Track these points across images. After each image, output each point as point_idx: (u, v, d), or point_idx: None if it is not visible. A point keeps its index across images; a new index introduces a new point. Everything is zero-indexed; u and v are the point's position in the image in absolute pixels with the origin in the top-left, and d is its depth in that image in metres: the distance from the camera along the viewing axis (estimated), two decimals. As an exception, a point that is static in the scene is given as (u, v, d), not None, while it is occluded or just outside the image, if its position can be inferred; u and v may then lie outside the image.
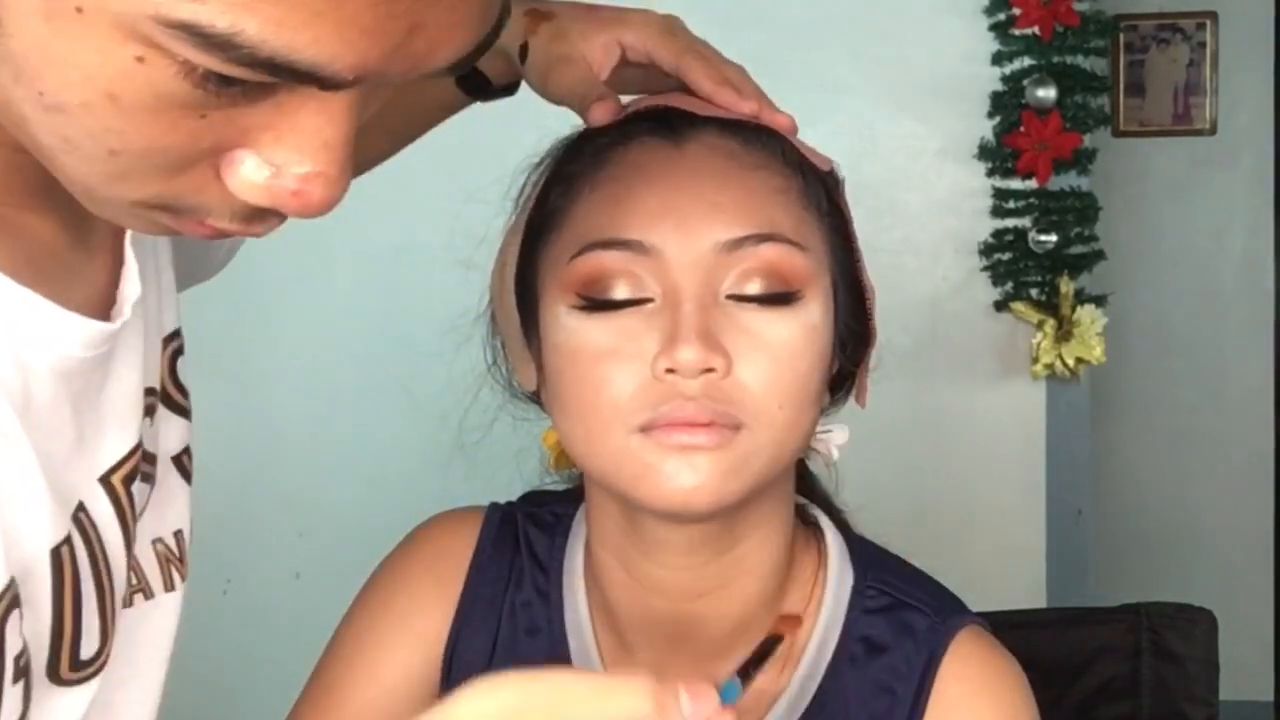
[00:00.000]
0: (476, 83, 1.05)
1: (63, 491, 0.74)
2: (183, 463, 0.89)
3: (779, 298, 0.93)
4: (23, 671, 0.72)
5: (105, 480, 0.79)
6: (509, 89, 1.06)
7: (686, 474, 0.90)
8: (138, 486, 0.81)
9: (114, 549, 0.79)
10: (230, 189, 0.63)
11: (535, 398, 1.03)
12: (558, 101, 1.00)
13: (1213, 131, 3.83)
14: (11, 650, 0.70)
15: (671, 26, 1.00)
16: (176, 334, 0.88)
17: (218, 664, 2.42)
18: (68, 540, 0.75)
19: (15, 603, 0.70)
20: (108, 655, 0.79)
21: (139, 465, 0.81)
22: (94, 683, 0.79)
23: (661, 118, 0.97)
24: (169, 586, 0.86)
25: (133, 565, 0.82)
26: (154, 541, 0.85)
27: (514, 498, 1.12)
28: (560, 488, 1.12)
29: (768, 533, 0.99)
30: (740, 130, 0.96)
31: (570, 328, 0.93)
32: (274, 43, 0.54)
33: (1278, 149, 3.87)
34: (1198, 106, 3.82)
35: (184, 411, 0.89)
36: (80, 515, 0.77)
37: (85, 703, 0.78)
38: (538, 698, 0.64)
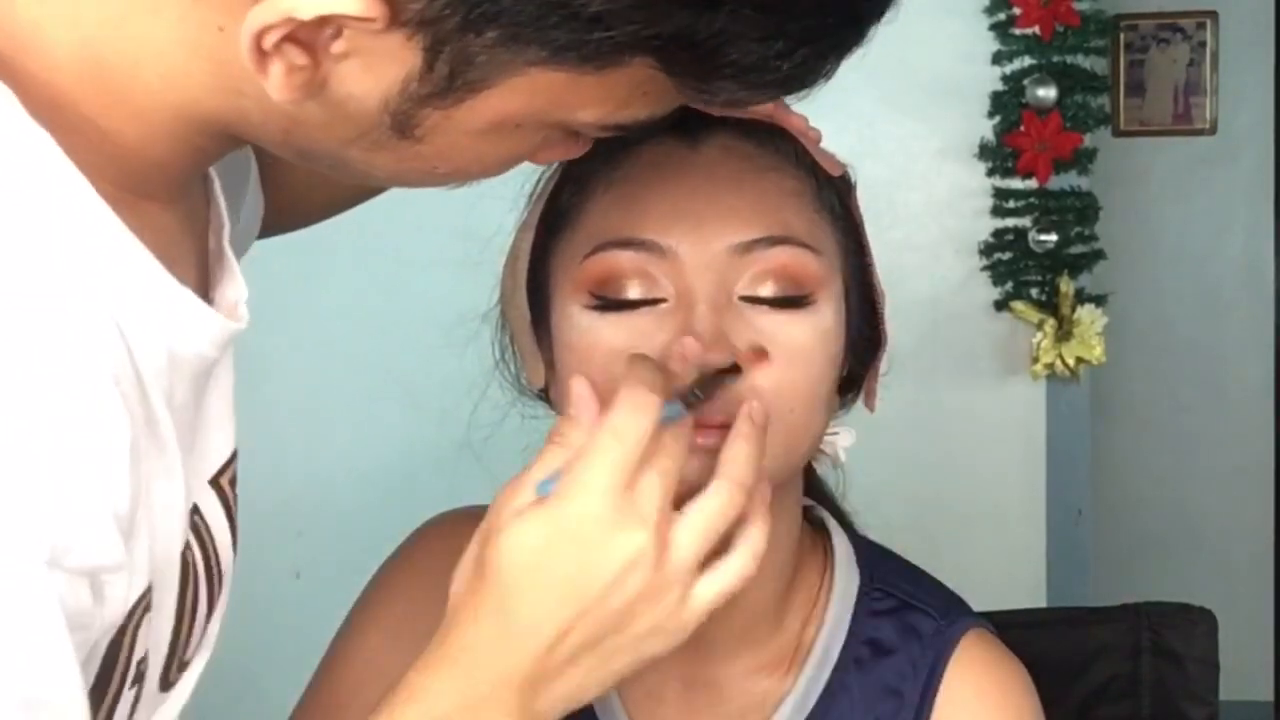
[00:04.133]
0: None
1: (188, 495, 0.76)
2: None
3: (792, 300, 0.93)
4: (139, 677, 0.73)
5: (215, 482, 0.80)
6: None
7: (697, 474, 0.90)
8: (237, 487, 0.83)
9: (224, 552, 0.81)
10: (536, 162, 0.79)
11: (544, 395, 1.03)
12: None
13: (1213, 131, 3.83)
14: (137, 654, 0.72)
15: None
16: None
17: (218, 664, 2.42)
18: (188, 545, 0.76)
19: (148, 608, 0.71)
20: (192, 656, 0.81)
21: (237, 469, 0.82)
22: (183, 683, 0.80)
23: (676, 118, 0.97)
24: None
25: None
26: None
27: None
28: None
29: (775, 535, 0.99)
30: (754, 132, 0.96)
31: (583, 327, 0.93)
32: (656, 116, 0.74)
33: (1278, 149, 3.87)
34: (1198, 106, 3.82)
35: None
36: (195, 518, 0.78)
37: (182, 700, 0.79)
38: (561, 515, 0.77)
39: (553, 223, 0.98)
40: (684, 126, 0.96)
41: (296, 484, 2.69)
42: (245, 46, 0.64)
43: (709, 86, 0.70)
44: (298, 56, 0.65)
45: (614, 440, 0.78)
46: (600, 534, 0.77)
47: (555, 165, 1.01)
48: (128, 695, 0.72)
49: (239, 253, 1.04)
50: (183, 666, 0.79)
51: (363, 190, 1.14)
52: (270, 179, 1.05)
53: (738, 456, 0.83)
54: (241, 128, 0.72)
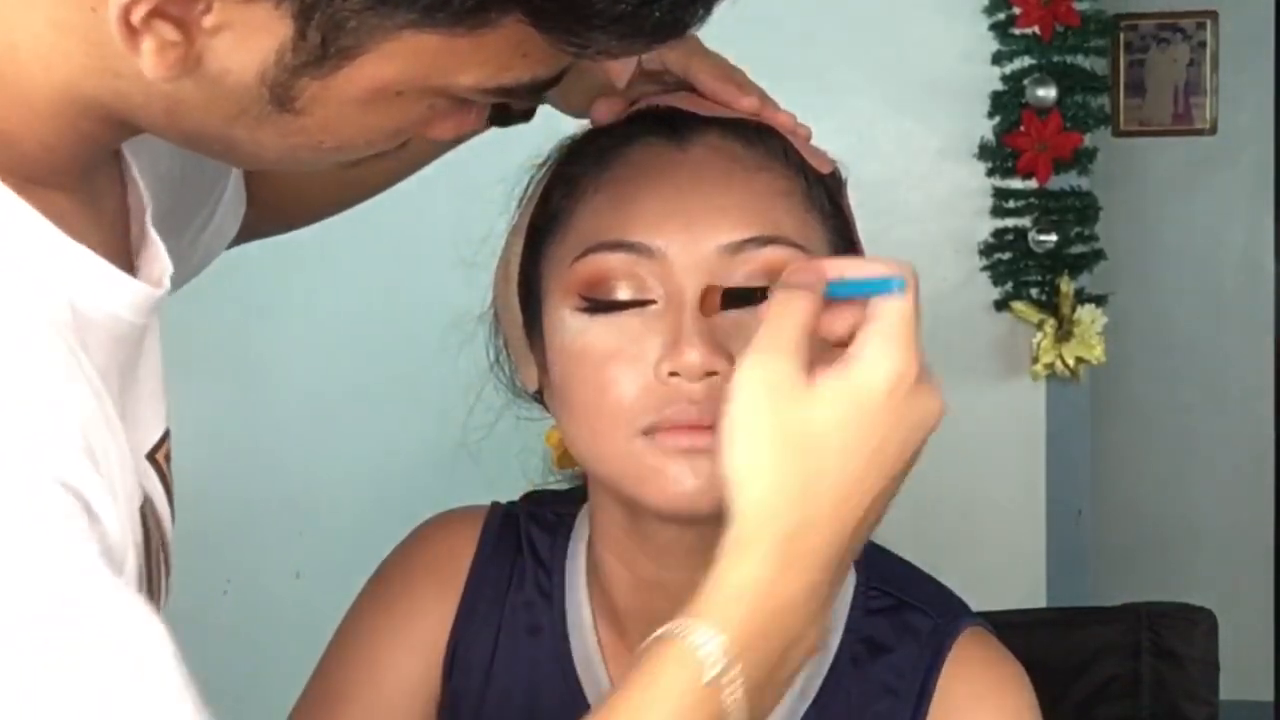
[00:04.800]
0: (497, 110, 1.10)
1: (132, 453, 0.76)
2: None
3: None
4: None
5: (151, 458, 0.81)
6: (527, 115, 1.10)
7: (689, 477, 0.90)
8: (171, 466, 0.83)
9: (166, 528, 0.81)
10: (431, 136, 0.77)
11: (538, 397, 1.03)
12: (574, 112, 1.02)
13: (1213, 131, 3.83)
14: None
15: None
16: None
17: (218, 664, 2.41)
18: (146, 501, 0.76)
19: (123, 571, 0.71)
20: None
21: (170, 447, 0.82)
22: None
23: (664, 118, 0.97)
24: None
25: None
26: None
27: (517, 496, 1.12)
28: (562, 487, 1.12)
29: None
30: (743, 131, 0.96)
31: (574, 329, 0.93)
32: (540, 79, 0.72)
33: (1278, 149, 3.87)
34: (1198, 106, 3.82)
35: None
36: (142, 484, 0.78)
37: None
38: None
39: (543, 225, 0.98)
40: (671, 126, 0.96)
41: (297, 484, 2.70)
42: (114, 23, 0.65)
43: (581, 39, 0.69)
44: (169, 32, 0.65)
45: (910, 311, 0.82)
46: (915, 398, 0.81)
47: (545, 167, 1.01)
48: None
49: (215, 250, 1.04)
50: None
51: (350, 190, 1.14)
52: (254, 177, 1.05)
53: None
54: (124, 111, 0.72)
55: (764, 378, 0.76)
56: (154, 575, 0.78)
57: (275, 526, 2.71)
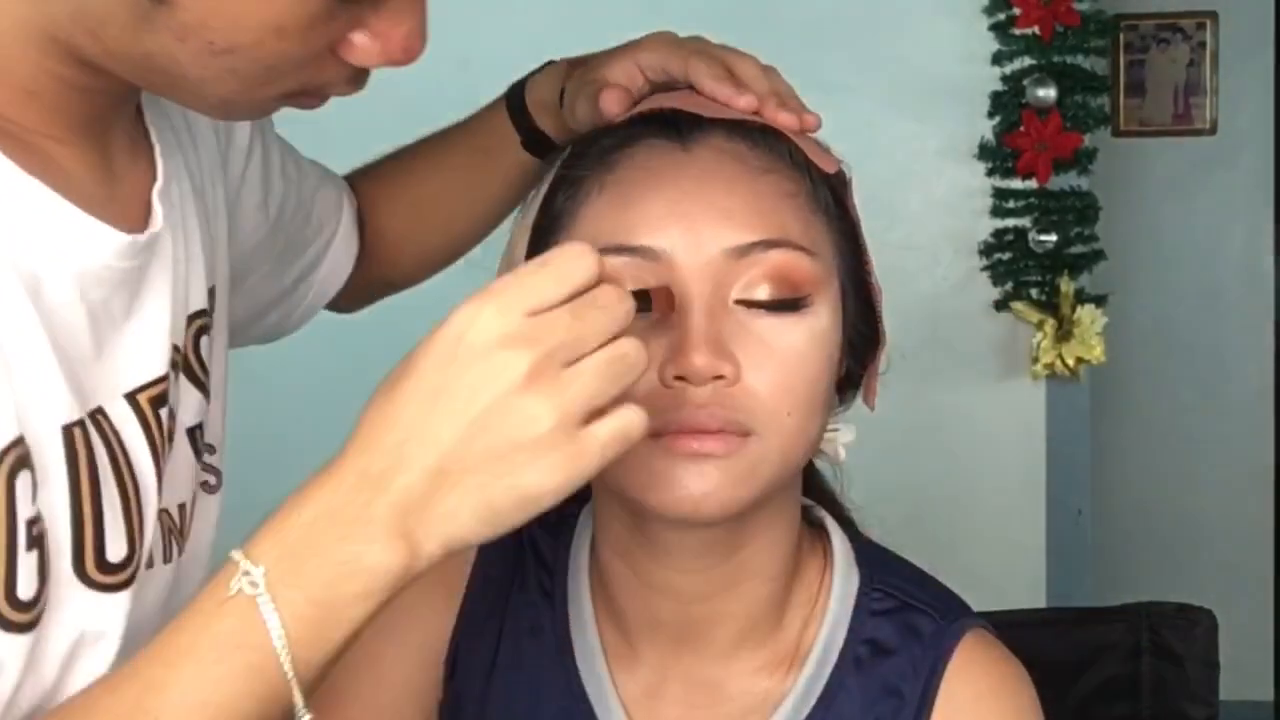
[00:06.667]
0: (539, 143, 1.15)
1: (78, 386, 0.78)
2: (195, 437, 0.92)
3: (788, 303, 0.92)
4: (36, 542, 0.75)
5: (132, 398, 0.83)
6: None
7: (696, 481, 0.90)
8: (165, 413, 0.85)
9: (141, 462, 0.83)
10: (350, 61, 0.77)
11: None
12: (580, 126, 1.03)
13: (1213, 131, 3.83)
14: (23, 513, 0.73)
15: (681, 39, 1.03)
16: (202, 313, 0.92)
17: (218, 663, 2.41)
18: (81, 425, 0.78)
19: (26, 463, 0.74)
20: (138, 566, 0.82)
21: (166, 393, 0.85)
22: (127, 594, 0.81)
23: (668, 120, 0.97)
24: (167, 558, 0.88)
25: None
26: (160, 513, 0.86)
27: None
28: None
29: (774, 536, 0.99)
30: (748, 133, 0.96)
31: None
32: None
33: (1278, 149, 3.87)
34: (1198, 106, 3.82)
35: (203, 388, 0.93)
36: (99, 418, 0.80)
37: (123, 614, 0.81)
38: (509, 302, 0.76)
39: (547, 226, 0.98)
40: (676, 128, 0.96)
41: (297, 484, 2.69)
42: None
43: None
44: None
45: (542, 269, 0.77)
46: (488, 351, 0.77)
47: (550, 170, 1.01)
48: (26, 559, 0.74)
49: (327, 293, 1.21)
50: (109, 569, 0.80)
51: (452, 239, 1.25)
52: (372, 227, 1.18)
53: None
54: (68, 36, 0.74)
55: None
56: (96, 499, 0.79)
57: (276, 526, 2.71)
